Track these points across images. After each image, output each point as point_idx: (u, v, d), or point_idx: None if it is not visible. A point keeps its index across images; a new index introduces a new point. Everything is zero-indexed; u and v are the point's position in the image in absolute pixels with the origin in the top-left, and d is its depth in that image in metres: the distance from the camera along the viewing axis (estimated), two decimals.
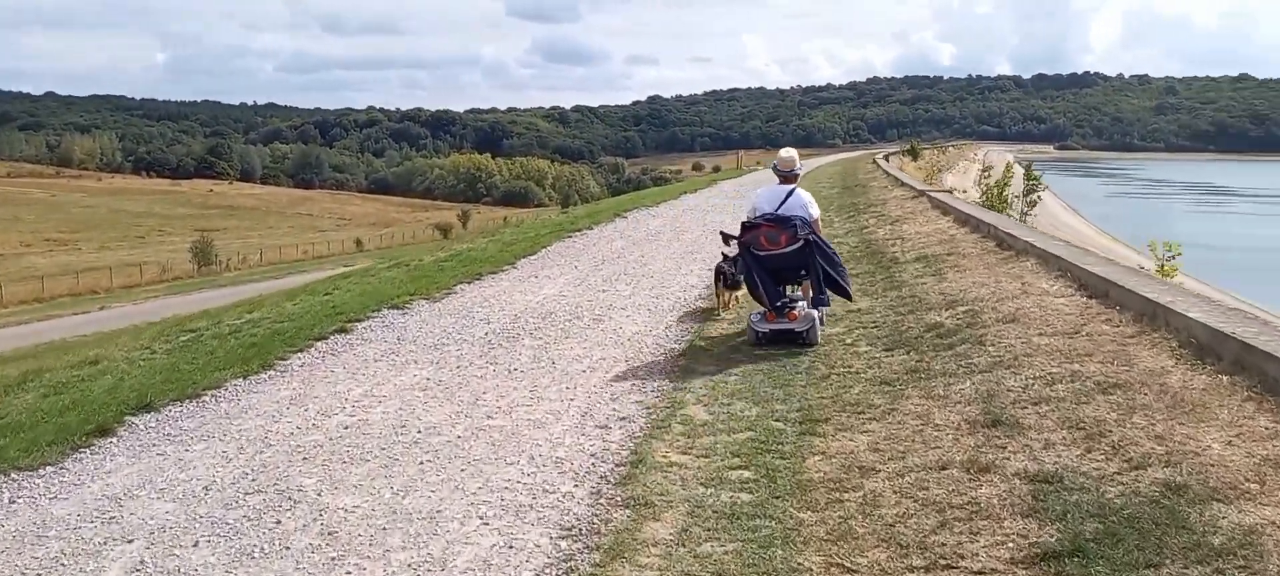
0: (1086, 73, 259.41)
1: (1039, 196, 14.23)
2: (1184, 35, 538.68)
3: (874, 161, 41.50)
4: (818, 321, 6.61)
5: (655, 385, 5.79)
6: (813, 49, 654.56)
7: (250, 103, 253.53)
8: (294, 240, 71.54)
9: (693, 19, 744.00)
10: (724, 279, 7.89)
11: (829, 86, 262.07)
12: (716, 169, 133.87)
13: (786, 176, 7.15)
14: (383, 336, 7.47)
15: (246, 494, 4.15)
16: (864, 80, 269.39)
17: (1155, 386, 4.31)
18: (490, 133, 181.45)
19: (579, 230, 15.75)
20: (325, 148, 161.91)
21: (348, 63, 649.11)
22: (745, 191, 24.33)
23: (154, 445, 4.88)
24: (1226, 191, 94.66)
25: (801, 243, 6.61)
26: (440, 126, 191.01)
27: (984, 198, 15.70)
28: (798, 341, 6.49)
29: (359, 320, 8.02)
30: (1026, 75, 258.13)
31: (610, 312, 8.26)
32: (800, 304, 6.66)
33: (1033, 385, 4.64)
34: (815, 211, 7.01)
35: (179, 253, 55.70)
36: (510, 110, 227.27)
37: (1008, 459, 3.81)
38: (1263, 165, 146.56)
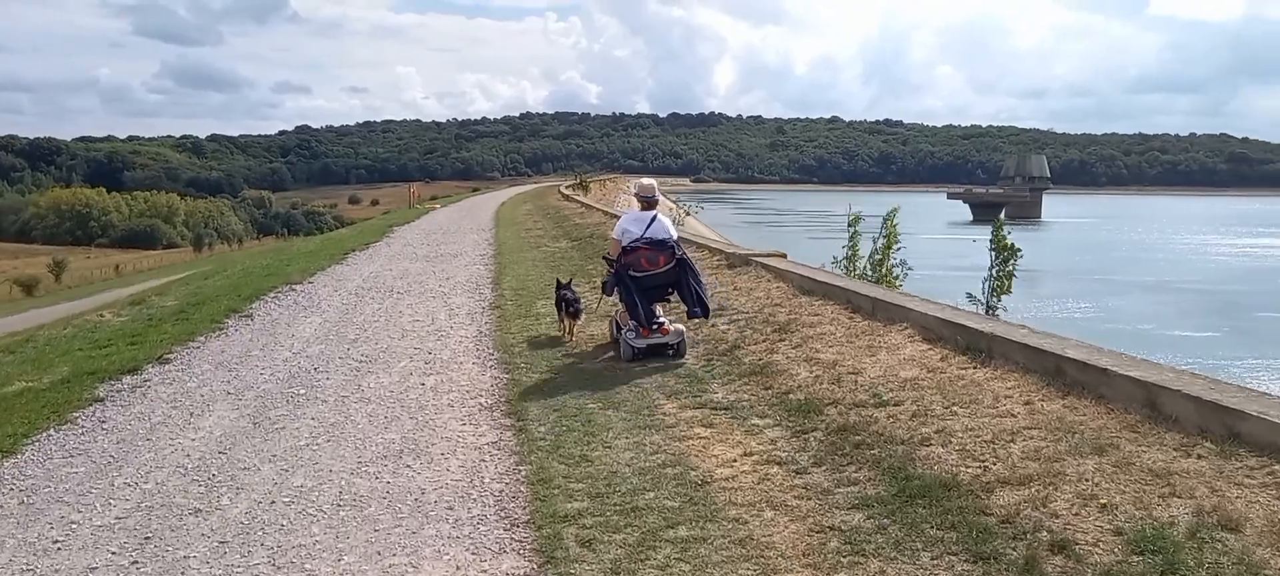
0: (713, 113, 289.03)
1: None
2: (785, 82, 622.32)
3: (563, 195, 39.04)
4: (686, 335, 7.13)
5: None
6: (468, 83, 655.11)
7: None
8: None
9: (345, 48, 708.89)
10: (566, 307, 7.91)
11: (485, 120, 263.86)
12: (375, 203, 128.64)
13: (648, 202, 7.54)
14: None
15: None
16: (518, 115, 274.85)
17: None
18: (107, 164, 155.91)
19: (139, 367, 7.28)
20: None
21: None
22: (444, 249, 19.03)
23: None
24: (838, 217, 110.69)
25: (676, 261, 7.19)
26: (41, 156, 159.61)
27: (849, 265, 11.14)
28: (671, 354, 6.93)
29: None
30: (663, 114, 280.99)
31: None
32: (666, 319, 7.12)
33: None
34: (675, 233, 7.50)
35: None
36: (132, 139, 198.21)
37: None
38: (855, 194, 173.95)
